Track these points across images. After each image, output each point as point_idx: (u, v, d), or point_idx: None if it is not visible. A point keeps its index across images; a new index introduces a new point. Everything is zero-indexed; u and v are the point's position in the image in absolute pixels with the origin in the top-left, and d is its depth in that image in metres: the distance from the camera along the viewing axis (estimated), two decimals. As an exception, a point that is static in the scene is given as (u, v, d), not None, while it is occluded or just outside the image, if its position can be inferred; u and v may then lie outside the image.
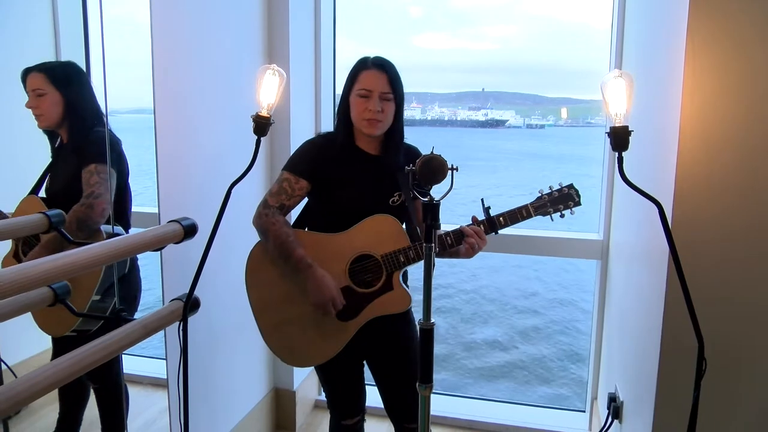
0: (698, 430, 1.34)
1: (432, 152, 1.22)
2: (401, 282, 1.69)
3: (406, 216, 1.75)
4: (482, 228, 1.65)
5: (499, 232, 1.67)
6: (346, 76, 1.72)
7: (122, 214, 1.81)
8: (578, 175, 1.71)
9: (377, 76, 1.65)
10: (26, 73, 1.74)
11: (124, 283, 1.80)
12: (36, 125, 1.77)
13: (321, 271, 1.64)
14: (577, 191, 1.65)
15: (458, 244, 1.65)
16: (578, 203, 1.65)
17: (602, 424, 2.20)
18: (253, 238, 1.76)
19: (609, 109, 1.22)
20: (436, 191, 1.24)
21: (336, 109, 1.77)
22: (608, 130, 1.23)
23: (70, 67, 1.86)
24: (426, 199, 1.19)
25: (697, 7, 1.34)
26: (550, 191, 1.65)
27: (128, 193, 1.85)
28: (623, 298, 2.15)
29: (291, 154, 1.77)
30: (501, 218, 1.65)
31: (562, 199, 1.64)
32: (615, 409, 2.09)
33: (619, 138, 1.21)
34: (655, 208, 1.24)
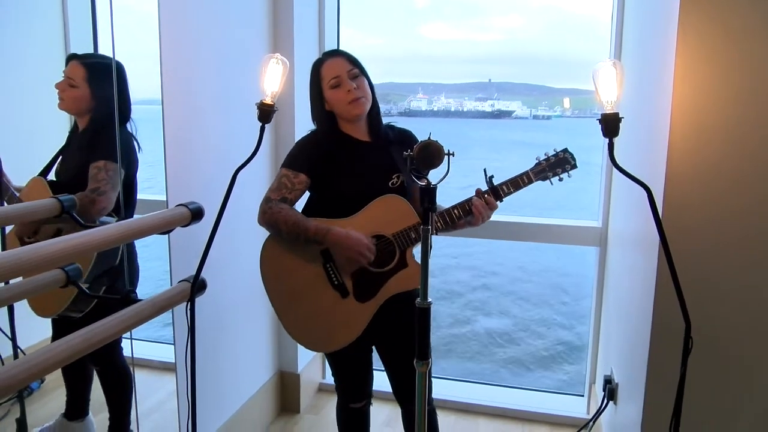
0: (687, 411, 1.39)
1: (429, 138, 1.26)
2: (415, 258, 1.73)
3: (408, 195, 1.79)
4: (487, 197, 1.69)
5: (504, 200, 1.72)
6: (309, 85, 1.79)
7: (126, 205, 1.85)
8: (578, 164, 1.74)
9: (336, 62, 1.73)
10: (70, 58, 1.80)
11: (113, 273, 1.83)
12: (56, 108, 1.81)
13: (341, 229, 1.66)
14: (572, 155, 1.68)
15: (465, 216, 1.70)
16: (574, 166, 1.68)
17: (598, 407, 2.25)
18: (256, 222, 1.80)
19: (600, 96, 1.26)
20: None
21: (311, 116, 1.82)
22: (599, 117, 1.27)
23: (111, 66, 1.89)
24: (423, 184, 1.23)
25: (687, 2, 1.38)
26: (546, 157, 1.69)
27: (135, 185, 1.90)
28: (619, 282, 2.20)
29: (293, 143, 1.83)
30: (504, 186, 1.69)
31: (559, 164, 1.67)
32: (610, 391, 2.14)
33: (610, 124, 1.25)
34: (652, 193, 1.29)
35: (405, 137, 1.85)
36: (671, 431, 1.34)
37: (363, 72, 1.76)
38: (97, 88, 1.80)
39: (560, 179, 1.69)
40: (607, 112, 1.25)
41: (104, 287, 1.79)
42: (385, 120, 1.87)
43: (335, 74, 1.71)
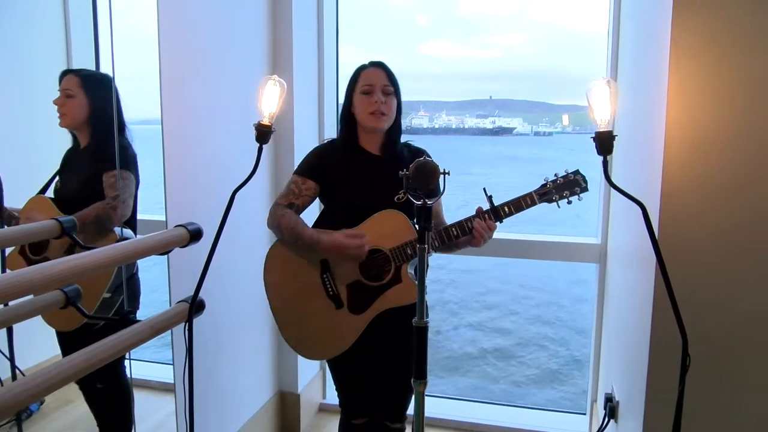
0: (687, 426, 1.39)
1: (425, 157, 1.27)
2: (411, 275, 1.73)
3: (412, 212, 1.79)
4: (486, 218, 1.66)
5: (505, 221, 1.68)
6: (347, 84, 1.84)
7: (132, 219, 1.88)
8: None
9: (376, 72, 1.78)
10: (64, 74, 1.84)
11: (130, 282, 1.88)
12: (57, 126, 1.84)
13: (328, 236, 1.71)
14: (583, 177, 1.62)
15: (464, 235, 1.69)
16: (585, 189, 1.62)
17: (600, 425, 2.23)
18: (259, 242, 1.82)
19: (594, 114, 1.27)
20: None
21: (339, 116, 1.88)
22: (593, 135, 1.28)
23: (104, 77, 1.93)
24: (419, 203, 1.24)
25: (680, 16, 1.40)
26: (555, 178, 1.63)
27: (135, 198, 1.93)
28: (619, 298, 2.20)
29: (295, 160, 1.86)
30: (506, 207, 1.65)
31: (568, 186, 1.61)
32: (611, 408, 2.13)
33: (604, 143, 1.26)
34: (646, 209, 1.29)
35: (418, 157, 1.84)
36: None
37: (397, 92, 1.80)
38: (93, 95, 1.84)
39: (569, 202, 1.62)
40: (601, 130, 1.26)
41: (122, 296, 1.84)
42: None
43: (370, 82, 1.76)
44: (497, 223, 1.68)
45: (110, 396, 2.00)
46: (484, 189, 1.68)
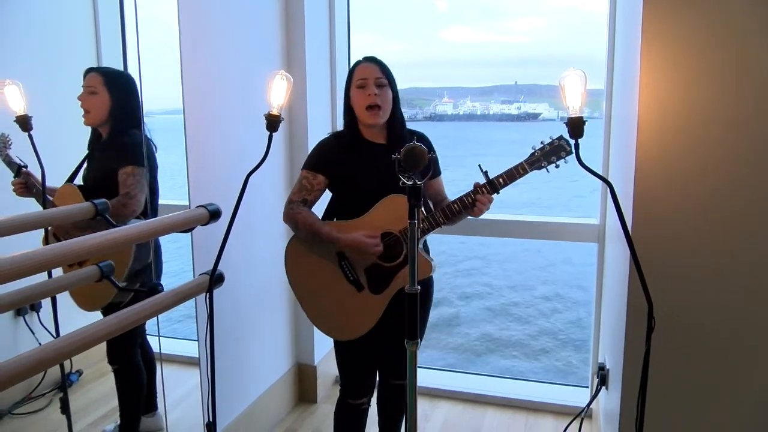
0: (665, 393, 1.50)
1: (414, 142, 1.41)
2: (422, 251, 1.87)
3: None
4: (485, 191, 1.79)
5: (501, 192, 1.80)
6: (345, 81, 1.94)
7: (150, 207, 2.04)
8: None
9: (369, 67, 1.89)
10: (88, 71, 1.97)
11: (147, 269, 2.05)
12: (81, 121, 1.98)
13: (346, 236, 1.83)
14: (567, 141, 1.71)
15: (465, 209, 1.81)
16: (570, 152, 1.71)
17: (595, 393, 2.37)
18: (275, 225, 1.93)
19: (566, 102, 1.39)
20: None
21: (343, 111, 1.97)
22: (566, 120, 1.40)
23: (125, 75, 2.09)
24: (410, 183, 1.38)
25: (650, 10, 1.52)
26: (542, 146, 1.74)
27: (156, 186, 2.08)
28: (611, 274, 2.32)
29: (308, 149, 1.97)
30: (500, 178, 1.77)
31: (554, 151, 1.72)
32: (602, 377, 2.26)
33: (575, 127, 1.38)
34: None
35: (422, 141, 1.95)
36: (638, 408, 1.46)
37: (390, 83, 1.90)
38: (115, 93, 1.97)
39: (557, 166, 1.73)
40: (572, 116, 1.38)
41: (138, 283, 1.98)
42: (409, 125, 2.01)
43: (364, 76, 1.87)
44: (494, 195, 1.80)
45: (124, 377, 2.14)
46: (479, 165, 1.79)
